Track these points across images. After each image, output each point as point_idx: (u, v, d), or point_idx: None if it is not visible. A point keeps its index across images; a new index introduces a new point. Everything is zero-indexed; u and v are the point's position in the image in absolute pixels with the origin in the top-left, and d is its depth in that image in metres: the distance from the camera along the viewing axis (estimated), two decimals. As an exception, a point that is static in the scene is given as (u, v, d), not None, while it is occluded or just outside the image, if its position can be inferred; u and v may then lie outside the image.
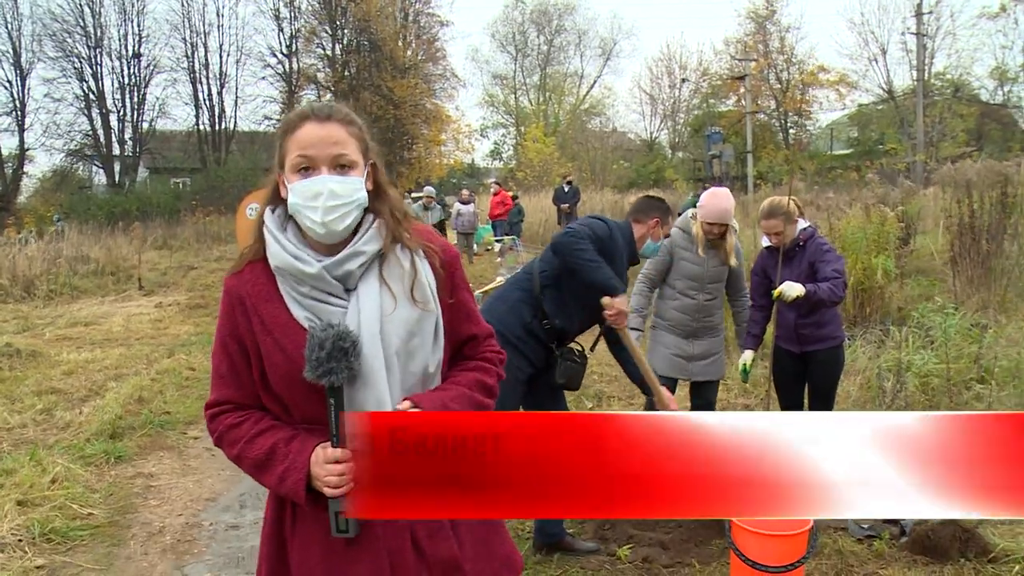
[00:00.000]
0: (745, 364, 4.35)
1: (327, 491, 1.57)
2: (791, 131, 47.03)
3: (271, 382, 1.66)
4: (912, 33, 37.37)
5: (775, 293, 3.98)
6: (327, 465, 1.56)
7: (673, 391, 4.11)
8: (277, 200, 1.72)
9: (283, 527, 1.72)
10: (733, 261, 4.29)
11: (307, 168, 1.63)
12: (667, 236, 3.96)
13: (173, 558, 3.93)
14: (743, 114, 40.66)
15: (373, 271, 1.68)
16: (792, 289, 3.90)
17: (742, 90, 42.93)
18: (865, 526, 3.85)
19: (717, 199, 4.25)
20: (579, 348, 3.67)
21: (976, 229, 8.57)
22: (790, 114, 46.03)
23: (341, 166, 1.64)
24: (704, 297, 4.29)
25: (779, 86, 45.28)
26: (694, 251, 4.25)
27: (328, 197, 1.60)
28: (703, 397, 4.43)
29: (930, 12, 37.72)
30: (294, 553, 1.69)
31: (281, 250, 1.64)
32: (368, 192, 1.69)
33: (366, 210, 1.71)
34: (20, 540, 3.94)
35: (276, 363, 1.63)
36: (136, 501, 4.63)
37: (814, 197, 15.31)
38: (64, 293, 14.80)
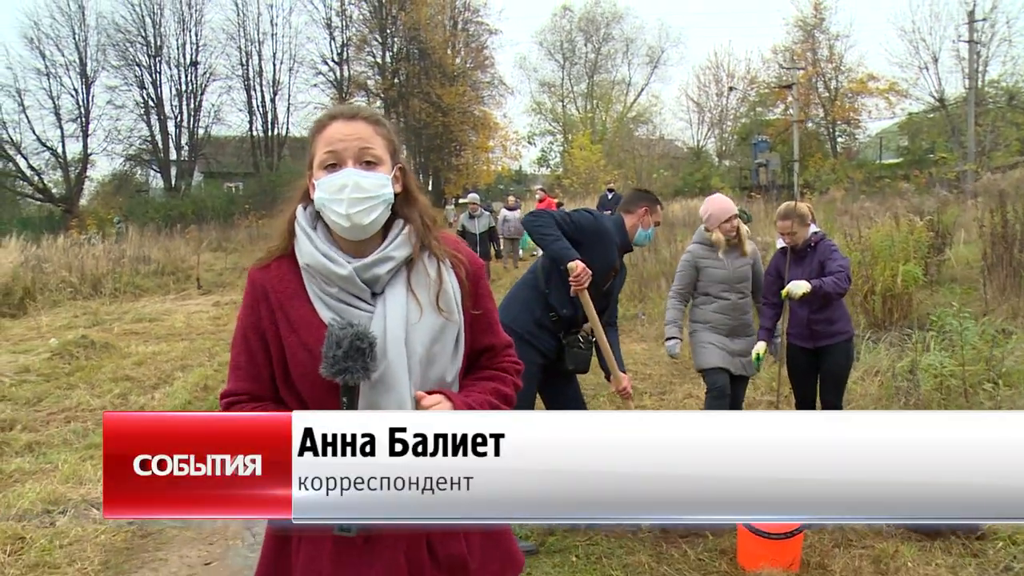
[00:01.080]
0: (758, 353, 4.70)
1: None
2: (839, 140, 46.71)
3: (293, 378, 1.68)
4: (964, 41, 36.94)
5: (783, 292, 4.36)
6: None
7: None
8: (308, 200, 1.74)
9: (287, 531, 1.70)
10: (749, 247, 4.66)
11: (334, 164, 1.66)
12: (657, 224, 4.26)
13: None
14: (790, 123, 40.55)
15: (401, 277, 1.70)
16: (798, 287, 4.28)
17: (789, 99, 42.81)
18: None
19: (716, 202, 4.71)
20: (584, 334, 3.99)
21: (1008, 239, 8.78)
22: (838, 123, 45.72)
23: (367, 161, 1.67)
24: (736, 296, 4.66)
25: (827, 94, 44.98)
26: (715, 256, 4.64)
27: (353, 189, 1.62)
28: (734, 392, 4.74)
29: (984, 19, 37.24)
30: (300, 552, 1.67)
31: (313, 249, 1.66)
32: (397, 196, 1.72)
33: (396, 215, 1.74)
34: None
35: (300, 361, 1.64)
36: (208, 473, 5.16)
37: (848, 206, 15.41)
38: (127, 291, 15.57)
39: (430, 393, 1.63)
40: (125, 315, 12.61)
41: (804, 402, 4.81)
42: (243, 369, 1.71)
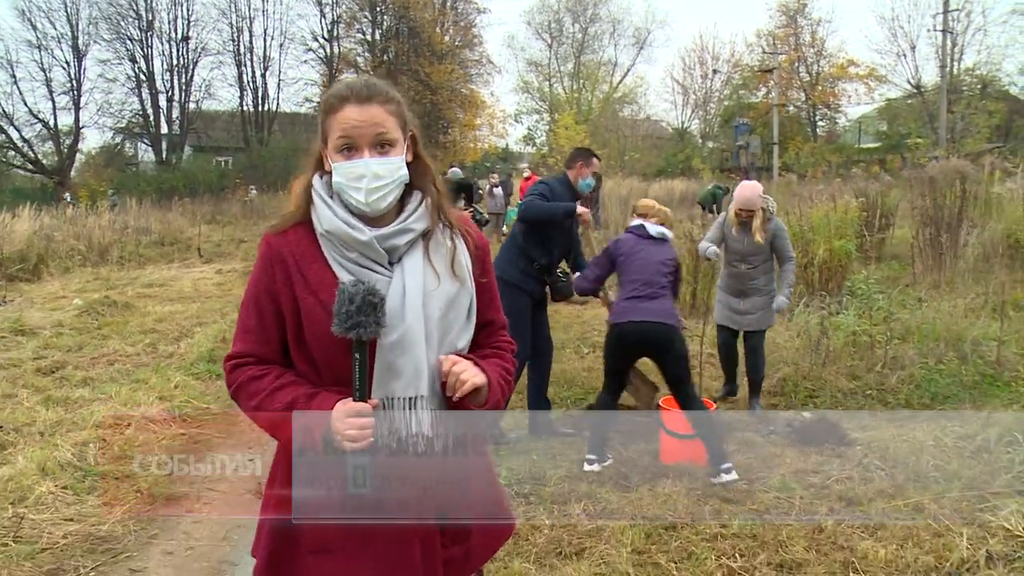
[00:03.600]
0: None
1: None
2: (820, 124, 47.70)
3: (308, 341, 1.69)
4: (939, 30, 37.98)
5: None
6: (348, 419, 1.59)
7: (735, 337, 5.93)
8: (323, 169, 1.77)
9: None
10: (758, 238, 5.59)
11: (350, 148, 1.69)
12: (595, 174, 5.36)
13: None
14: (771, 106, 41.53)
15: (418, 247, 1.74)
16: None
17: (771, 82, 43.78)
18: (770, 429, 5.31)
19: (743, 190, 5.73)
20: (562, 270, 5.34)
21: (937, 220, 9.91)
22: (819, 107, 46.69)
23: (382, 144, 1.70)
24: (745, 267, 5.71)
25: (809, 79, 45.90)
26: (732, 232, 5.70)
27: (371, 179, 1.67)
28: (748, 343, 5.84)
29: (957, 9, 38.29)
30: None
31: (333, 215, 1.69)
32: (408, 165, 1.76)
33: (409, 185, 1.77)
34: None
35: (316, 320, 1.66)
36: (239, 402, 6.21)
37: (799, 188, 16.55)
38: (132, 260, 16.51)
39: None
40: (135, 281, 13.55)
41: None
42: (252, 332, 1.73)
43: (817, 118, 47.43)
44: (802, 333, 6.88)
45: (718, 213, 15.09)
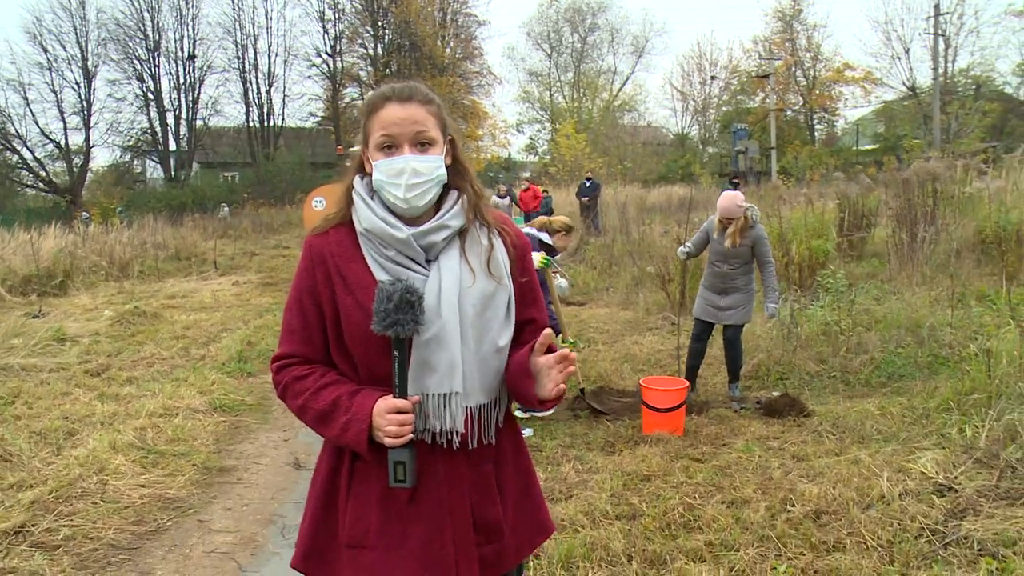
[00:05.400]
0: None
1: (387, 441, 1.62)
2: (818, 127, 48.35)
3: (347, 339, 1.72)
4: (930, 33, 38.67)
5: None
6: (388, 415, 1.62)
7: (710, 331, 6.49)
8: (364, 171, 1.81)
9: (338, 484, 1.77)
10: (728, 244, 6.15)
11: (390, 147, 1.72)
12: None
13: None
14: (768, 111, 42.23)
15: (455, 245, 1.75)
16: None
17: (768, 88, 44.50)
18: (739, 404, 6.01)
19: (724, 200, 6.26)
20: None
21: (911, 219, 10.60)
22: (816, 110, 47.36)
23: (422, 143, 1.72)
24: (727, 267, 6.30)
25: (806, 83, 46.59)
26: (716, 237, 6.30)
27: (411, 175, 1.69)
28: (726, 335, 6.41)
29: (948, 13, 38.99)
30: (349, 510, 1.74)
31: (372, 214, 1.72)
32: (447, 168, 1.78)
33: (447, 186, 1.80)
34: (206, 410, 6.24)
35: (355, 321, 1.68)
36: (270, 394, 6.90)
37: (786, 192, 17.26)
38: (152, 273, 17.28)
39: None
40: (157, 293, 14.30)
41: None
42: (296, 333, 1.77)
43: (815, 122, 48.11)
44: (777, 324, 7.57)
45: None
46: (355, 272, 1.72)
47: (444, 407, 1.68)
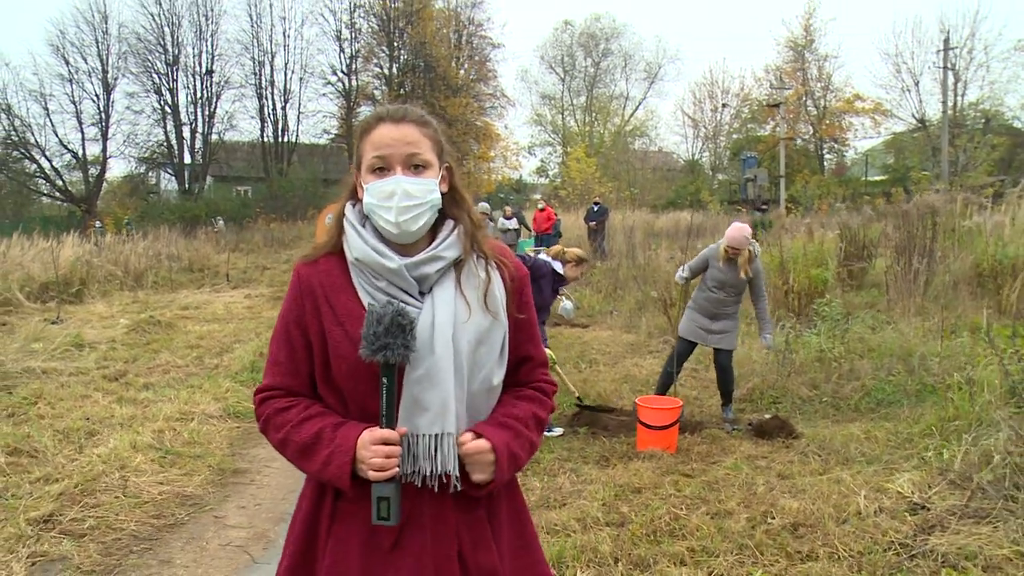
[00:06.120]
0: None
1: (371, 475, 1.54)
2: (827, 157, 48.67)
3: (334, 372, 1.64)
4: (939, 66, 39.05)
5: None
6: (374, 446, 1.54)
7: (692, 350, 6.72)
8: (356, 197, 1.74)
9: (318, 525, 1.68)
10: (742, 275, 6.38)
11: (382, 168, 1.65)
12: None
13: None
14: (779, 139, 42.58)
15: (450, 277, 1.67)
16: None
17: (779, 116, 44.89)
18: (731, 426, 6.25)
19: (735, 231, 6.43)
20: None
21: (910, 251, 10.84)
22: (826, 140, 47.69)
23: (415, 166, 1.65)
24: (723, 295, 6.50)
25: (816, 113, 46.96)
26: (718, 264, 6.50)
27: (402, 197, 1.61)
28: (718, 360, 6.61)
29: (957, 47, 39.40)
30: (328, 553, 1.65)
31: (363, 243, 1.64)
32: (444, 195, 1.70)
33: (444, 215, 1.72)
34: (221, 416, 6.52)
35: (343, 354, 1.61)
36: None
37: (788, 223, 17.55)
38: (165, 284, 17.63)
39: (475, 435, 1.62)
40: (171, 303, 14.62)
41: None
42: (282, 364, 1.70)
43: (824, 151, 48.41)
44: (772, 350, 7.82)
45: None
46: (344, 303, 1.65)
47: (436, 448, 1.59)
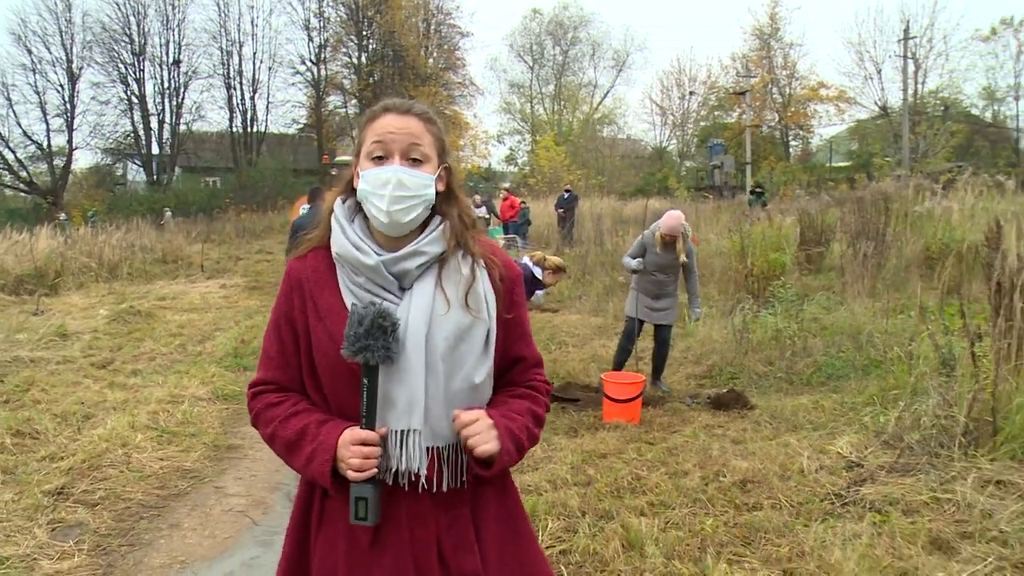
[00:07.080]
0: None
1: (350, 474, 1.55)
2: (793, 144, 49.50)
3: (318, 369, 1.66)
4: (900, 55, 39.91)
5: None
6: (353, 447, 1.54)
7: (641, 328, 7.16)
8: (349, 191, 1.74)
9: (308, 524, 1.71)
10: (683, 258, 7.00)
11: (381, 157, 1.65)
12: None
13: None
14: (745, 126, 43.25)
15: (431, 273, 1.67)
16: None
17: (745, 104, 45.59)
18: (691, 399, 6.71)
19: (671, 219, 6.98)
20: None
21: (864, 235, 11.39)
22: (792, 127, 48.49)
23: (414, 159, 1.66)
24: (663, 276, 7.08)
25: (781, 100, 47.70)
26: (656, 250, 7.02)
27: (396, 187, 1.61)
28: (659, 335, 7.23)
29: (917, 36, 40.29)
30: (316, 552, 1.68)
31: (344, 238, 1.65)
32: (439, 194, 1.70)
33: (435, 213, 1.72)
34: (210, 398, 6.86)
35: (324, 351, 1.62)
36: (266, 387, 7.53)
37: (750, 210, 18.14)
38: (140, 276, 17.79)
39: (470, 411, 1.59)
40: (148, 294, 14.82)
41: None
42: (274, 359, 1.71)
43: (790, 138, 49.22)
44: (731, 329, 8.30)
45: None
46: (326, 299, 1.66)
47: (402, 445, 1.58)
